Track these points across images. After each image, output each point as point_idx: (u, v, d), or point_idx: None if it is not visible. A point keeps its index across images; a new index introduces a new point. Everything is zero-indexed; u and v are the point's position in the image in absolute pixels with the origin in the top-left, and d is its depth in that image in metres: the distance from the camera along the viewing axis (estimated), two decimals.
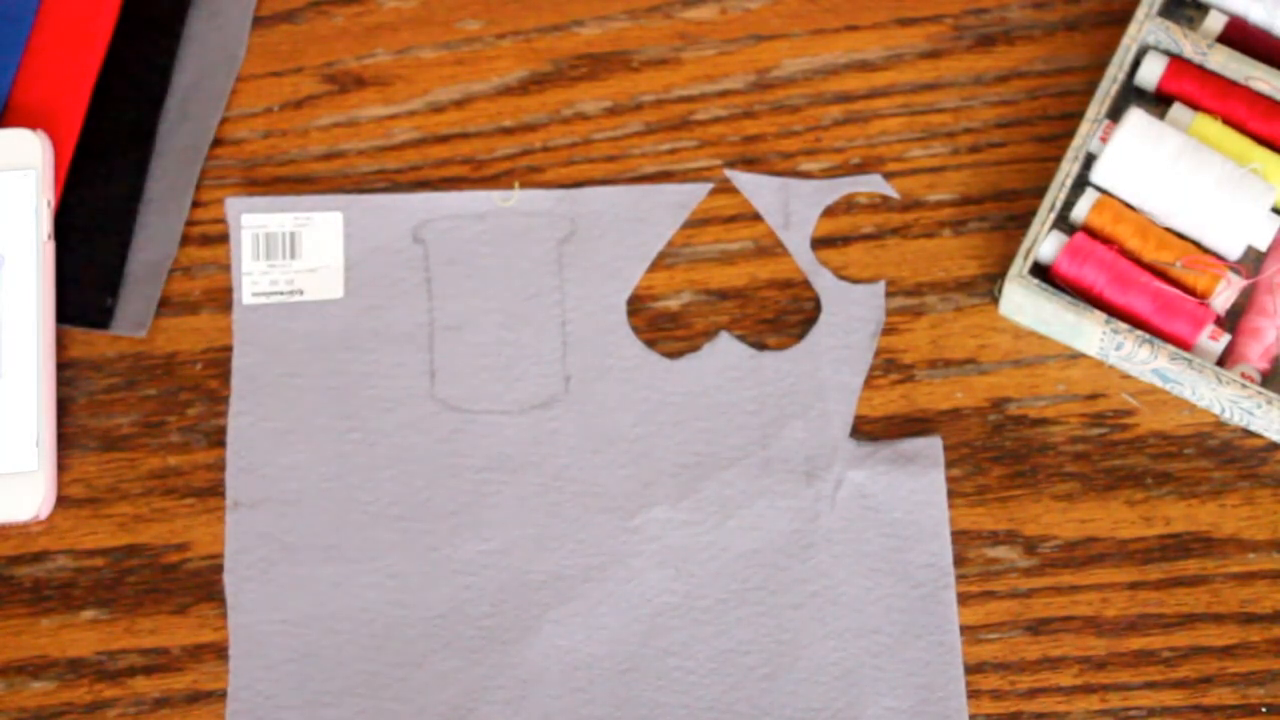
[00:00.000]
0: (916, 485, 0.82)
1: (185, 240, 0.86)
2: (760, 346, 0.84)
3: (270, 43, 0.89)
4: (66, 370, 0.84)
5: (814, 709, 0.78)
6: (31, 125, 0.86)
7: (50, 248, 0.84)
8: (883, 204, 0.87)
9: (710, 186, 0.87)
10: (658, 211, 0.86)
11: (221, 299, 0.85)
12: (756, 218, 0.86)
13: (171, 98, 0.88)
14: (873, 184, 0.86)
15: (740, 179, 0.87)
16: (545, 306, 0.85)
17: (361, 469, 0.83)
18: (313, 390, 0.84)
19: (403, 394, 0.84)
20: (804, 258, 0.85)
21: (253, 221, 0.86)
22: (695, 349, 0.84)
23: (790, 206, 0.86)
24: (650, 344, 0.85)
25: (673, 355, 0.84)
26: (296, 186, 0.87)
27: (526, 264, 0.85)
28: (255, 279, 0.85)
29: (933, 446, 0.82)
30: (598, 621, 0.80)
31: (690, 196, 0.87)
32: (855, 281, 0.85)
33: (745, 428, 0.83)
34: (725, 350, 0.84)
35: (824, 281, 0.85)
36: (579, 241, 0.85)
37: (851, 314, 0.85)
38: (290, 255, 0.85)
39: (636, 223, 0.86)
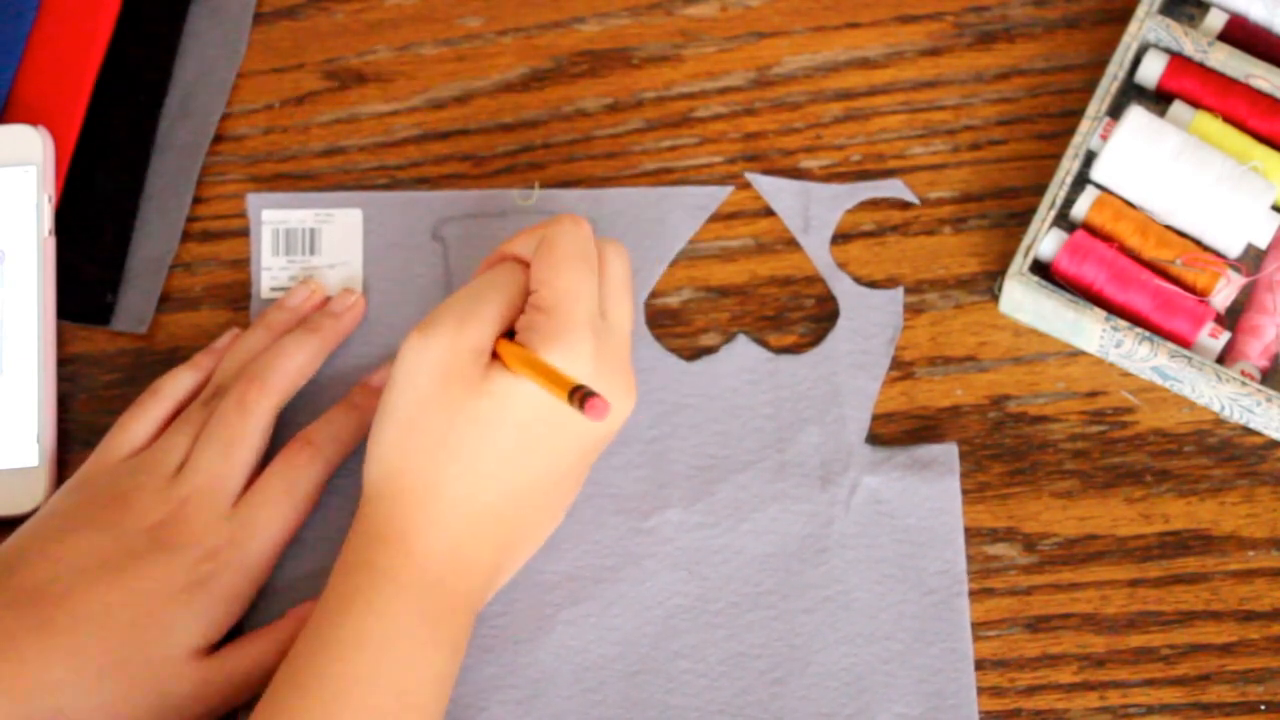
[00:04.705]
0: (931, 492, 0.81)
1: (186, 236, 0.86)
2: (761, 344, 0.84)
3: (271, 39, 0.89)
4: (67, 366, 0.84)
5: (824, 714, 0.78)
6: (32, 121, 0.85)
7: (51, 244, 0.84)
8: (883, 201, 0.87)
9: (730, 189, 0.86)
10: (678, 213, 0.86)
11: (223, 295, 0.85)
12: (757, 215, 0.86)
13: (172, 94, 0.88)
14: (894, 189, 0.86)
15: (760, 182, 0.86)
16: None
17: None
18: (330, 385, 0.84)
19: None
20: (823, 262, 0.85)
21: (273, 217, 0.86)
22: (695, 346, 0.84)
23: (810, 211, 0.86)
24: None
25: (673, 352, 0.84)
26: (297, 183, 0.87)
27: None
28: (274, 274, 0.85)
29: (948, 454, 0.82)
30: (610, 623, 0.80)
31: (711, 199, 0.86)
32: (873, 286, 0.85)
33: (761, 431, 0.82)
34: (742, 353, 0.84)
35: (842, 286, 0.85)
36: None
37: (869, 319, 0.84)
38: (309, 251, 0.85)
39: (656, 224, 0.86)
